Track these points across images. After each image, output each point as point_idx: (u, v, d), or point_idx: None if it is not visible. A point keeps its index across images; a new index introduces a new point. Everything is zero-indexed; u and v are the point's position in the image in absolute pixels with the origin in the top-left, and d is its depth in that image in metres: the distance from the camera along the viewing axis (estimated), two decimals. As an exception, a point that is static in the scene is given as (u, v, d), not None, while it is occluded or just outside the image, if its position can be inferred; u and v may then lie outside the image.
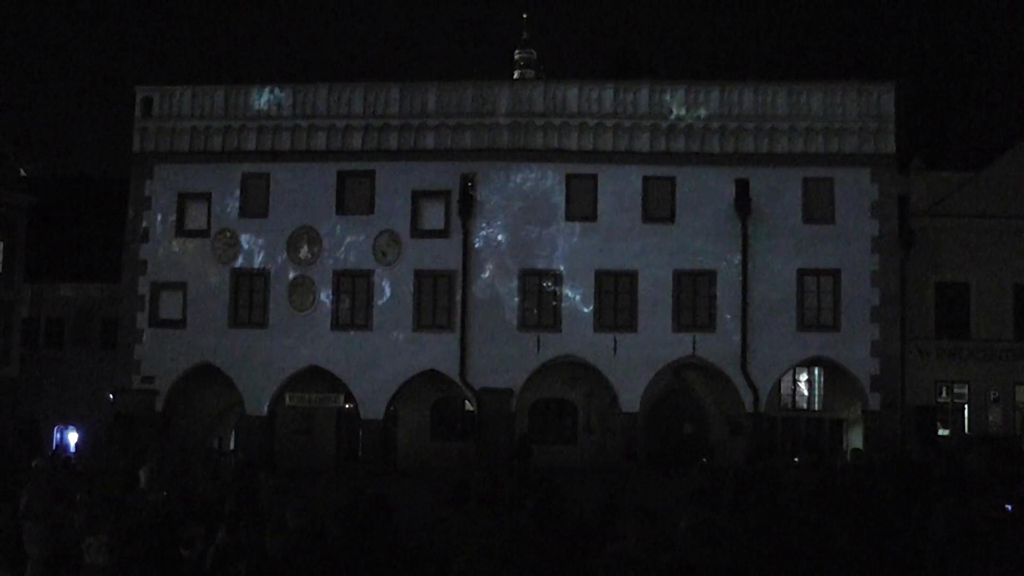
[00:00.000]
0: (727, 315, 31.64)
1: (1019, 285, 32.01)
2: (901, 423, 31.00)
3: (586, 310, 32.08)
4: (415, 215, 32.83)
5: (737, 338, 31.45)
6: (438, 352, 32.33)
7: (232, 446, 35.56)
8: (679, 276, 31.93)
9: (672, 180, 32.24)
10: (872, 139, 32.03)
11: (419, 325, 32.51)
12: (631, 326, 31.87)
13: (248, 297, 33.10)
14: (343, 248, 32.83)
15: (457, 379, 32.22)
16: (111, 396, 33.27)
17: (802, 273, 31.71)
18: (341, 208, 33.04)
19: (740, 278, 31.54)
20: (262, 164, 33.36)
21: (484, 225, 32.50)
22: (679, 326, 31.79)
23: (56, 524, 11.16)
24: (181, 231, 33.47)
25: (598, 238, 32.18)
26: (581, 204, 32.39)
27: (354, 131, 33.18)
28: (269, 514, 9.60)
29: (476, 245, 32.42)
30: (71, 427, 37.33)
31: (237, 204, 33.33)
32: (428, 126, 32.99)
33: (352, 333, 32.57)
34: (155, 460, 18.33)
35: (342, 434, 34.61)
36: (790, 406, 33.63)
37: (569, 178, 32.52)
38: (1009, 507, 9.56)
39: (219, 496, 12.59)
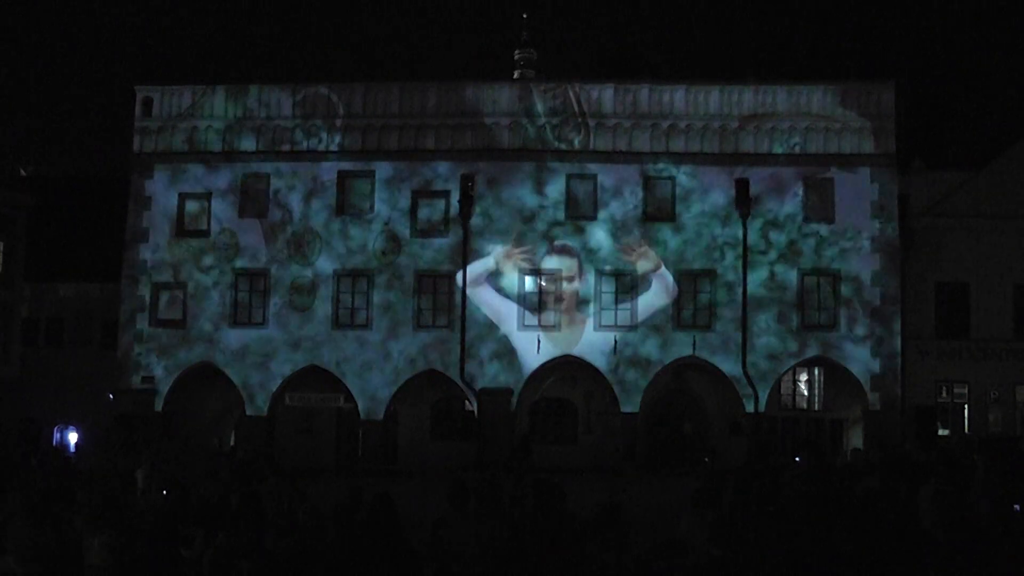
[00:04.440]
0: (727, 315, 31.66)
1: (1019, 285, 31.98)
2: (901, 423, 30.99)
3: (586, 310, 32.10)
4: (415, 215, 32.85)
5: (737, 338, 31.47)
6: (438, 352, 32.35)
7: (232, 446, 35.52)
8: (679, 276, 31.96)
9: (672, 180, 32.30)
10: (872, 139, 32.05)
11: (419, 325, 32.53)
12: (632, 326, 31.90)
13: (248, 297, 33.12)
14: (343, 248, 32.85)
15: (457, 379, 32.24)
16: (111, 396, 33.26)
17: (802, 273, 31.75)
18: (341, 208, 33.06)
19: (740, 278, 31.56)
20: (262, 164, 33.37)
21: (484, 225, 32.52)
22: (679, 326, 31.82)
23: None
24: (181, 231, 33.49)
25: (599, 238, 32.20)
26: (581, 204, 32.42)
27: (354, 131, 33.19)
28: (273, 514, 9.58)
29: (476, 245, 32.44)
30: (71, 427, 37.28)
31: (237, 204, 33.35)
32: (428, 126, 33.02)
33: (352, 333, 32.60)
34: (151, 461, 18.28)
35: (342, 434, 34.59)
36: (790, 406, 33.62)
37: (569, 178, 32.56)
38: (1017, 507, 9.57)
39: (219, 496, 12.58)
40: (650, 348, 31.85)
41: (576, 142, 32.59)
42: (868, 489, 10.86)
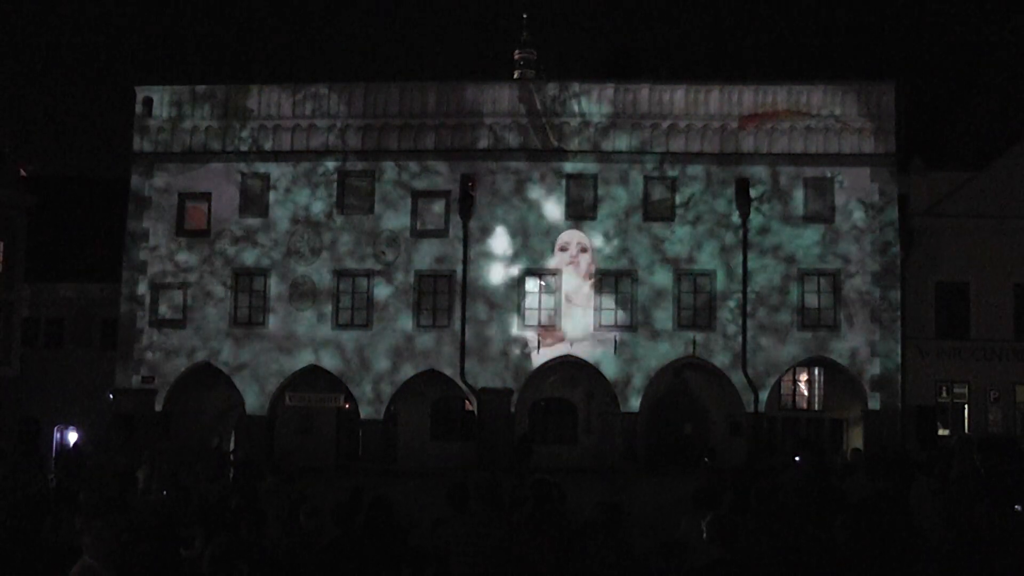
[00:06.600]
0: (727, 315, 31.67)
1: (1019, 285, 31.99)
2: (901, 423, 31.00)
3: (586, 310, 32.10)
4: (415, 215, 32.86)
5: (737, 338, 31.48)
6: (438, 352, 32.36)
7: (232, 446, 35.53)
8: (679, 276, 31.97)
9: (672, 180, 32.30)
10: (872, 139, 32.06)
11: (419, 325, 32.54)
12: (631, 326, 31.90)
13: (248, 297, 33.13)
14: (343, 248, 32.86)
15: (457, 379, 32.25)
16: (111, 396, 33.26)
17: (802, 273, 31.75)
18: (341, 208, 33.07)
19: (740, 278, 31.57)
20: (262, 164, 33.38)
21: (484, 225, 32.53)
22: (679, 326, 31.82)
23: None
24: (181, 231, 33.50)
25: (598, 238, 32.22)
26: (581, 204, 32.44)
27: (354, 131, 33.20)
28: (272, 514, 9.58)
29: (476, 245, 32.44)
30: (71, 427, 37.27)
31: (237, 204, 33.35)
32: (428, 126, 33.02)
33: (352, 333, 32.60)
34: (151, 460, 18.27)
35: (342, 434, 34.61)
36: (790, 406, 33.63)
37: (569, 178, 32.57)
38: (1018, 507, 9.59)
39: (219, 496, 12.57)
40: (650, 348, 31.86)
41: (576, 142, 32.59)
42: (865, 488, 10.87)
